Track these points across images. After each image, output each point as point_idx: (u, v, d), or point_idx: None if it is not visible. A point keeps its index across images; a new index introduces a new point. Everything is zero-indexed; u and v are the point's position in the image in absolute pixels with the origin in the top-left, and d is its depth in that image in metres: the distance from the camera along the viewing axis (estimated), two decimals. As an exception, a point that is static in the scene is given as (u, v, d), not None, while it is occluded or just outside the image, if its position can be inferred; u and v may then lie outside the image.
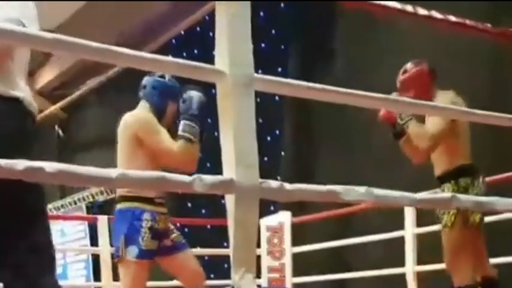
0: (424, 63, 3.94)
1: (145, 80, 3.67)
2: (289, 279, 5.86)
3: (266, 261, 5.98)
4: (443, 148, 3.73)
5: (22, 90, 2.21)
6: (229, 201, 1.71)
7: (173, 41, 9.35)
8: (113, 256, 3.74)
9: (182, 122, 3.46)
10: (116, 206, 3.59)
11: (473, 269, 3.74)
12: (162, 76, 3.64)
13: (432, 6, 2.99)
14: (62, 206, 10.89)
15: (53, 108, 11.05)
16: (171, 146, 3.45)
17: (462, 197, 1.96)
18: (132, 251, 3.44)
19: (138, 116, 3.59)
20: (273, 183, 1.74)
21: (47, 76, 10.69)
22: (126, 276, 3.50)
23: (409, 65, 3.94)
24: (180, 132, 3.44)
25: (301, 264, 6.00)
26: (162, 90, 3.64)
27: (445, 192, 3.61)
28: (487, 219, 4.27)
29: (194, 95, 3.47)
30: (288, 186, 1.78)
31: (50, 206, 11.09)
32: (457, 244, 3.68)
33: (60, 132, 11.73)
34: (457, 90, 3.82)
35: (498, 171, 4.65)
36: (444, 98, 3.70)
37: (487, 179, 4.06)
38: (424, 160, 3.92)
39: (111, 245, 5.42)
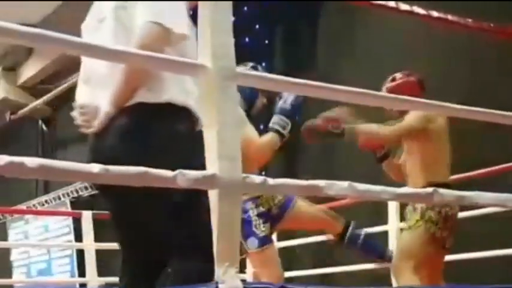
0: (414, 75, 3.96)
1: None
2: (274, 274, 5.86)
3: (251, 256, 5.98)
4: (419, 160, 3.70)
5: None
6: (213, 196, 1.71)
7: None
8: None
9: (275, 116, 3.60)
10: None
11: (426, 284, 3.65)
12: (255, 67, 3.77)
13: (440, 4, 3.02)
14: (46, 201, 10.84)
15: (36, 103, 10.98)
16: (258, 139, 3.60)
17: (444, 191, 1.97)
18: (252, 242, 3.62)
19: None
20: (256, 178, 1.74)
21: (30, 70, 10.61)
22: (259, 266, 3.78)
23: (398, 75, 3.96)
24: (270, 125, 3.60)
25: (286, 259, 6.00)
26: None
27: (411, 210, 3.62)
28: (468, 213, 4.30)
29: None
30: (270, 181, 1.78)
31: (34, 201, 11.04)
32: (413, 247, 3.60)
33: (44, 127, 11.66)
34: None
35: (477, 167, 4.69)
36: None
37: (467, 174, 4.09)
38: (402, 178, 3.90)
39: (95, 241, 5.44)
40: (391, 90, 3.83)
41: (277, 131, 3.53)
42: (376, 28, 6.20)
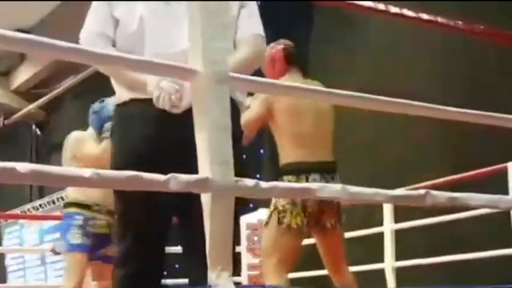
0: (282, 45, 3.79)
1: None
2: (269, 277, 5.87)
3: (246, 259, 5.98)
4: (277, 141, 3.62)
5: None
6: (205, 199, 1.70)
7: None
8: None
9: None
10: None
11: (328, 271, 3.61)
12: (102, 100, 4.27)
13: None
14: (40, 205, 10.81)
15: (30, 107, 10.97)
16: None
17: (436, 193, 1.97)
18: (61, 245, 4.09)
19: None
20: (248, 181, 1.74)
21: (23, 75, 10.61)
22: (64, 269, 4.28)
23: (269, 46, 3.69)
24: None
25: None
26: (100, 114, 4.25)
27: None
28: (459, 215, 4.30)
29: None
30: (263, 184, 1.78)
31: (28, 205, 11.02)
32: (268, 245, 3.52)
33: (38, 131, 11.64)
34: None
35: (465, 168, 4.71)
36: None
37: (457, 176, 4.05)
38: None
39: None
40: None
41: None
42: (372, 27, 6.21)
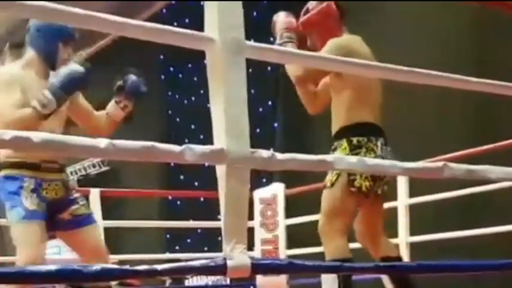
0: (328, 1, 3.51)
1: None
2: (283, 251, 5.87)
3: (259, 233, 5.99)
4: (343, 100, 3.39)
5: None
6: (220, 171, 1.69)
7: (164, 10, 9.28)
8: None
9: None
10: None
11: (363, 243, 3.48)
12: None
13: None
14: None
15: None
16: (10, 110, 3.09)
17: (454, 165, 1.94)
18: (15, 214, 3.12)
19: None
20: (264, 153, 1.72)
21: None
22: (17, 241, 3.15)
23: (311, 4, 3.53)
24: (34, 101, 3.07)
25: (294, 236, 6.00)
26: (48, 32, 3.24)
27: (335, 152, 3.33)
28: (480, 188, 4.27)
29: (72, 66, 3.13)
30: (279, 155, 1.76)
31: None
32: (334, 206, 3.33)
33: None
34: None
35: (485, 141, 4.66)
36: (337, 41, 3.32)
37: (476, 149, 3.97)
38: (319, 110, 3.63)
39: (103, 218, 5.45)
40: (307, 22, 3.49)
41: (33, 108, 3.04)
42: (387, 12, 6.15)
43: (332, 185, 3.36)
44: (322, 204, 3.41)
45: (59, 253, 10.69)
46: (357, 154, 3.22)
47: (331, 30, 3.42)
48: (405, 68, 1.94)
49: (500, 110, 4.88)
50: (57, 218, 3.26)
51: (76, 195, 3.36)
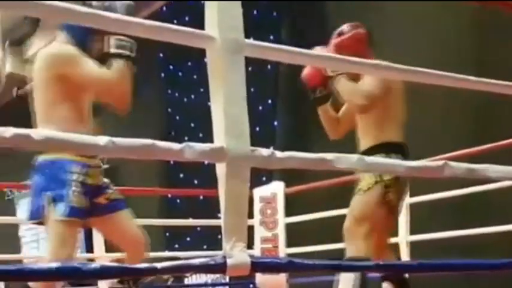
0: (361, 27, 3.69)
1: None
2: (283, 250, 5.88)
3: (259, 232, 5.99)
4: (372, 120, 3.54)
5: None
6: (220, 169, 1.69)
7: (164, 8, 9.28)
8: (32, 217, 3.08)
9: (109, 38, 2.91)
10: (36, 159, 3.04)
11: (375, 249, 3.52)
12: None
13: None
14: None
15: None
16: (103, 73, 2.92)
17: (455, 164, 1.94)
18: (59, 209, 2.93)
19: (58, 51, 3.07)
20: (264, 151, 1.72)
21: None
22: (54, 238, 2.98)
23: (345, 27, 3.68)
24: (110, 49, 2.91)
25: (294, 235, 6.01)
26: None
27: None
28: (480, 187, 4.26)
29: (118, 3, 2.95)
30: (279, 154, 1.76)
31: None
32: (365, 211, 3.46)
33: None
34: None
35: (486, 141, 4.67)
36: None
37: (477, 148, 3.98)
38: (341, 135, 3.78)
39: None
40: (339, 45, 3.59)
41: (122, 56, 2.88)
42: (387, 12, 6.15)
43: (368, 190, 3.47)
44: (352, 206, 3.53)
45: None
46: None
47: (361, 55, 3.40)
48: (412, 68, 1.94)
49: (501, 110, 4.88)
50: (93, 203, 3.10)
51: (106, 180, 3.24)
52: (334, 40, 3.65)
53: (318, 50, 3.54)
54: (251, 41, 1.75)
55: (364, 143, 3.58)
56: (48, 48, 3.11)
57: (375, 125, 3.53)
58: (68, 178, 2.97)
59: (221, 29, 1.65)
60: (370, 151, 3.48)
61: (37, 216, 3.02)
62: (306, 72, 3.69)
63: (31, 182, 3.13)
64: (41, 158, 3.02)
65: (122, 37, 2.92)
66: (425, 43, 5.65)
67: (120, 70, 2.92)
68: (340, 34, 3.66)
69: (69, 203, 2.95)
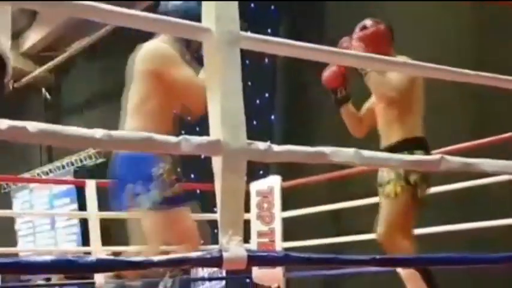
0: (383, 23, 3.75)
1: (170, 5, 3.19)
2: (279, 244, 5.87)
3: (255, 226, 5.98)
4: (396, 113, 3.57)
5: None
6: (216, 163, 1.68)
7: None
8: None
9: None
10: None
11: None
12: None
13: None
14: (50, 170, 10.85)
15: (39, 70, 10.94)
16: (195, 79, 3.05)
17: (451, 158, 1.94)
18: (148, 199, 3.05)
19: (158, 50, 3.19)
20: (261, 145, 1.71)
21: (32, 37, 10.55)
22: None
23: (368, 22, 3.73)
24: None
25: (291, 229, 6.00)
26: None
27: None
28: (475, 182, 4.26)
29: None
30: (275, 147, 1.75)
31: (37, 170, 11.05)
32: (399, 219, 3.47)
33: (48, 95, 11.63)
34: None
35: (483, 135, 4.67)
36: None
37: (474, 142, 3.99)
38: (363, 133, 3.81)
39: (99, 210, 5.44)
40: (362, 39, 3.62)
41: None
42: (387, 12, 6.14)
43: (396, 195, 3.48)
44: (385, 215, 3.53)
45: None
46: None
47: (383, 50, 3.48)
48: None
49: (499, 105, 4.88)
50: None
51: None
52: (358, 34, 3.68)
53: (344, 41, 3.59)
54: (247, 33, 1.75)
55: (387, 137, 3.62)
56: (152, 44, 3.23)
57: (399, 119, 3.57)
58: (158, 170, 3.09)
59: (218, 21, 1.64)
60: (394, 149, 3.47)
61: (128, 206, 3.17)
62: (325, 74, 3.72)
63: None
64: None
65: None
66: (425, 43, 5.64)
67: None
68: (363, 28, 3.70)
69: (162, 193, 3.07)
